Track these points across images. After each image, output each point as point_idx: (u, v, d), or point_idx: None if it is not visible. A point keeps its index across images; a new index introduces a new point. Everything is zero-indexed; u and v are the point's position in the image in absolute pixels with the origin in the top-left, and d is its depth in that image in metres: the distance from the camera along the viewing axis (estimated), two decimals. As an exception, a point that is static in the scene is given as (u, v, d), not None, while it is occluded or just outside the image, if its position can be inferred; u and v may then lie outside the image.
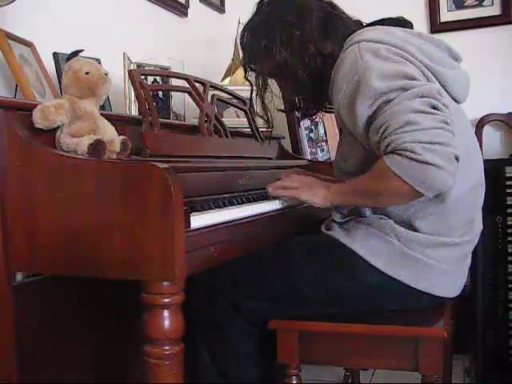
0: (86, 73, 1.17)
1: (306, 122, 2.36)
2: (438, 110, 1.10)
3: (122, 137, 1.18)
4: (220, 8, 2.67)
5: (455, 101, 1.30)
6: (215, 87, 1.72)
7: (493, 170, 1.93)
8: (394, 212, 1.25)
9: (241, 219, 1.23)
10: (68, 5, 1.71)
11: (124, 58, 1.71)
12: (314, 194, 1.34)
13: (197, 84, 1.60)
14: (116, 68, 1.62)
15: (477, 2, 2.51)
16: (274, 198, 1.45)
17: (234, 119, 1.97)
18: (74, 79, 1.17)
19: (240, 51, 1.48)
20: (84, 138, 1.11)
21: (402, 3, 2.38)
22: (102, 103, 1.24)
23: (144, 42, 2.04)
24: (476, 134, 1.38)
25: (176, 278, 0.97)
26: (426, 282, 1.25)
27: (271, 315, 1.31)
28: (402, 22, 1.35)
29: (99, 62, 1.51)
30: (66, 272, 1.08)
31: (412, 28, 1.36)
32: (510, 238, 2.03)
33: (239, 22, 1.85)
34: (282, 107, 1.61)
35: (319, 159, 2.39)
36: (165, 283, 1.00)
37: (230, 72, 2.28)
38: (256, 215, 1.31)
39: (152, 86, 1.60)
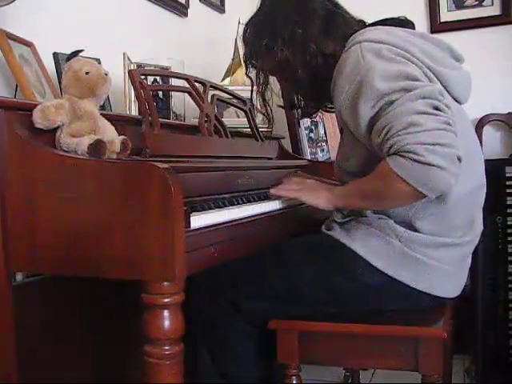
0: (86, 73, 1.17)
1: (305, 122, 2.36)
2: (440, 111, 1.10)
3: (122, 137, 1.18)
4: (220, 8, 2.67)
5: (457, 101, 1.30)
6: (215, 87, 1.72)
7: (493, 169, 1.92)
8: (394, 212, 1.25)
9: (241, 219, 1.23)
10: (68, 5, 1.71)
11: (124, 58, 1.71)
12: (317, 196, 1.34)
13: (197, 84, 1.60)
14: (116, 68, 1.62)
15: (477, 2, 2.51)
16: (275, 198, 1.45)
17: (234, 119, 1.97)
18: (73, 79, 1.17)
19: (241, 48, 1.48)
20: (84, 138, 1.11)
21: (402, 3, 2.38)
22: (102, 103, 1.24)
23: (144, 42, 2.04)
24: (476, 133, 1.37)
25: (176, 277, 0.97)
26: (427, 283, 1.24)
27: (271, 315, 1.31)
28: (403, 22, 1.35)
29: (99, 62, 1.50)
30: (65, 272, 1.07)
31: (414, 28, 1.36)
32: (510, 238, 2.03)
33: (239, 22, 1.85)
34: (282, 104, 1.61)
35: (319, 159, 2.39)
36: (165, 283, 0.99)
37: (230, 72, 2.28)
38: (256, 215, 1.31)
39: (152, 86, 1.60)
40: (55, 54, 1.54)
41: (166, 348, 1.02)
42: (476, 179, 1.29)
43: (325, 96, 1.35)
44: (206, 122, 1.58)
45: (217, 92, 1.72)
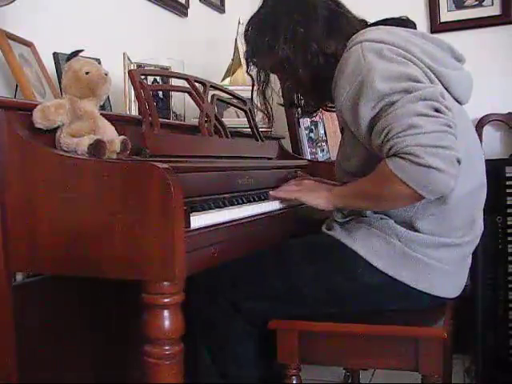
0: (86, 73, 1.17)
1: (305, 122, 2.36)
2: (440, 112, 1.10)
3: (122, 137, 1.18)
4: (220, 8, 2.67)
5: (458, 102, 1.30)
6: (215, 87, 1.72)
7: (493, 169, 1.92)
8: (394, 212, 1.25)
9: (241, 219, 1.23)
10: (68, 5, 1.71)
11: (124, 58, 1.71)
12: (316, 196, 1.34)
13: (197, 84, 1.60)
14: (116, 68, 1.62)
15: (477, 2, 2.51)
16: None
17: (234, 119, 1.97)
18: (74, 79, 1.17)
19: (241, 48, 1.48)
20: (84, 138, 1.10)
21: (402, 3, 2.38)
22: (102, 103, 1.23)
23: (144, 42, 2.04)
24: (476, 134, 1.37)
25: (176, 278, 0.97)
26: (427, 283, 1.24)
27: (271, 315, 1.31)
28: (405, 22, 1.35)
29: (99, 62, 1.50)
30: (66, 272, 1.07)
31: (415, 28, 1.35)
32: (510, 238, 2.03)
33: (239, 22, 1.86)
34: (282, 102, 1.61)
35: (319, 159, 2.39)
36: (165, 283, 1.00)
37: (230, 72, 2.28)
38: (256, 215, 1.31)
39: (152, 86, 1.60)
40: (55, 54, 1.54)
41: (166, 348, 1.02)
42: (476, 179, 1.29)
43: (325, 95, 1.35)
44: (206, 121, 1.58)
45: (217, 92, 1.72)
